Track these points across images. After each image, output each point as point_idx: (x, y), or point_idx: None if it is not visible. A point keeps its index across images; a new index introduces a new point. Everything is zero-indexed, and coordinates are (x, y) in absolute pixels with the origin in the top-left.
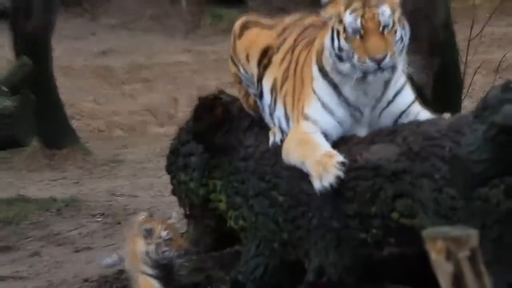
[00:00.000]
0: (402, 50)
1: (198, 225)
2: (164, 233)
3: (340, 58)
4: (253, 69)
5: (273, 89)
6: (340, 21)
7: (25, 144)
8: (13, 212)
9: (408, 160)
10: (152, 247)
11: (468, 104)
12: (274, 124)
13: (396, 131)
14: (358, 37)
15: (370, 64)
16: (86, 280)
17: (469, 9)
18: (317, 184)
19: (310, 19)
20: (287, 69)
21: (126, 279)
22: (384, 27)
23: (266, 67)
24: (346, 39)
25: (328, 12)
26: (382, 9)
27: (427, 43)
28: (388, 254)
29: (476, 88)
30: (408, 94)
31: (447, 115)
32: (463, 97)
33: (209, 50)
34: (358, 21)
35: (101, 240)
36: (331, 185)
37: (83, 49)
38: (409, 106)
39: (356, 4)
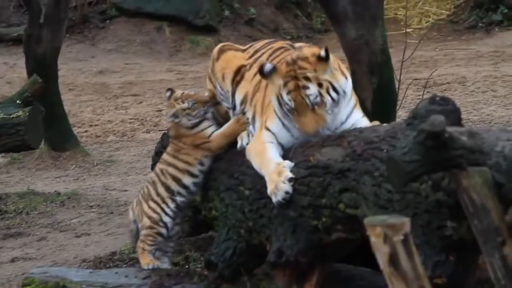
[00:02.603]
0: (337, 102)
1: None
2: (185, 104)
3: (287, 115)
4: (228, 86)
5: (243, 100)
6: (281, 96)
7: (35, 147)
8: (24, 204)
9: (352, 160)
10: (184, 120)
11: (402, 114)
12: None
13: (342, 136)
14: (295, 113)
15: (307, 136)
16: (84, 261)
17: (402, 36)
18: (273, 199)
19: (279, 43)
20: (259, 82)
21: (117, 259)
22: (313, 105)
23: (238, 83)
24: (287, 110)
25: (272, 81)
26: (309, 92)
27: (367, 65)
28: (336, 238)
29: (408, 101)
30: (357, 113)
31: (376, 123)
32: (397, 108)
33: (188, 70)
34: (292, 103)
35: (97, 227)
36: (283, 199)
37: (84, 69)
38: (358, 122)
39: (290, 85)
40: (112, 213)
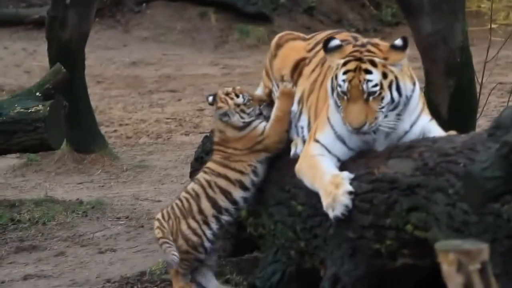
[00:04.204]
0: (395, 108)
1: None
2: (239, 99)
3: (336, 104)
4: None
5: (300, 100)
6: (336, 77)
7: (55, 147)
8: (41, 213)
9: (423, 175)
10: (236, 118)
11: (483, 123)
12: (298, 134)
13: (412, 146)
14: (345, 98)
15: (349, 128)
16: (108, 281)
17: (486, 33)
18: (330, 213)
19: (343, 35)
20: (315, 81)
21: (147, 281)
22: (369, 94)
23: (296, 82)
24: (337, 95)
25: (332, 59)
26: (370, 77)
27: (444, 64)
28: (401, 265)
29: (490, 108)
30: (424, 118)
31: (452, 132)
32: (478, 116)
33: (235, 64)
34: (346, 86)
35: (124, 242)
36: (342, 214)
37: (115, 59)
38: (426, 127)
39: (351, 66)
40: (142, 226)
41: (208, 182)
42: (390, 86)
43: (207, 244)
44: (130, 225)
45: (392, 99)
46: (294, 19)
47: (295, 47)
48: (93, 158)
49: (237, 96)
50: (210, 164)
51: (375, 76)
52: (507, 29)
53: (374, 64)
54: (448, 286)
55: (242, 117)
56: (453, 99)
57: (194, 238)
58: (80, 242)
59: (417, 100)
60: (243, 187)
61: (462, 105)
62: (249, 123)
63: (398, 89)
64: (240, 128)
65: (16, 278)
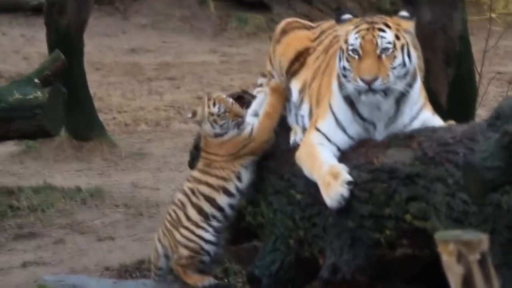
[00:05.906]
0: (405, 75)
1: None
2: (215, 109)
3: (344, 76)
4: (283, 75)
5: (302, 89)
6: (346, 41)
7: (54, 134)
8: (39, 200)
9: (423, 164)
10: (206, 127)
11: (482, 113)
12: (297, 123)
13: (412, 136)
14: (357, 57)
15: (361, 84)
16: (107, 269)
17: (486, 22)
18: (328, 203)
19: None
20: (318, 68)
21: (146, 269)
22: (382, 50)
23: (295, 72)
24: (347, 58)
25: (342, 29)
26: (383, 34)
27: (443, 53)
28: (401, 255)
29: (489, 98)
30: (426, 112)
31: (451, 122)
32: (477, 106)
33: (234, 52)
34: (358, 42)
35: (123, 230)
36: (340, 204)
37: (114, 46)
38: (428, 122)
39: (363, 26)
40: (141, 214)
41: (191, 189)
42: (402, 48)
43: (207, 247)
44: (128, 213)
45: (404, 62)
46: (293, 7)
47: (300, 36)
48: (92, 145)
49: (214, 104)
50: (193, 173)
51: (389, 34)
52: (507, 19)
53: (387, 25)
54: (448, 277)
55: (213, 127)
56: (453, 89)
57: (191, 244)
58: (78, 229)
59: (418, 93)
60: (228, 193)
61: (461, 94)
62: (221, 135)
63: (409, 54)
64: (214, 136)
65: (15, 265)
